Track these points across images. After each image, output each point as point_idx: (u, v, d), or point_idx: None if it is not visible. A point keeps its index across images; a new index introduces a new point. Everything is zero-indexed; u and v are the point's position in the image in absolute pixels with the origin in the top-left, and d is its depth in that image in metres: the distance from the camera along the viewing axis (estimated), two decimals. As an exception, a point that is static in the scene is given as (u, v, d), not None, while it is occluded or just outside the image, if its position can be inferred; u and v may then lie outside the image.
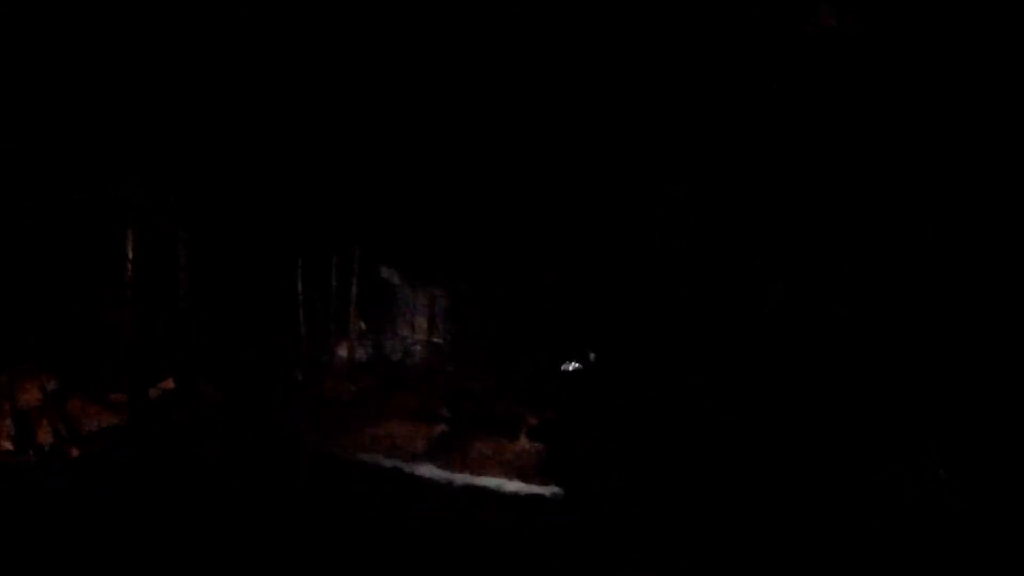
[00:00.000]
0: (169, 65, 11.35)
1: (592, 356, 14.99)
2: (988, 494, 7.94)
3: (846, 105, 10.44)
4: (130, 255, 11.83)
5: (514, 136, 11.92)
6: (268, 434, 10.71)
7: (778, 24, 10.31)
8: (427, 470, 9.69)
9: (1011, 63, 9.33)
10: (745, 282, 13.09)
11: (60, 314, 12.27)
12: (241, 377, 13.34)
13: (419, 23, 11.99)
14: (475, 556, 7.14)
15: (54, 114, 10.96)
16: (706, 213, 12.24)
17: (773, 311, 12.53)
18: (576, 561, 7.20)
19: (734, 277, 13.04)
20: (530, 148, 11.84)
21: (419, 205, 15.09)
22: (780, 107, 10.76)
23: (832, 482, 8.81)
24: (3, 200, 11.55)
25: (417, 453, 10.31)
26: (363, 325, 16.80)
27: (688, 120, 11.08)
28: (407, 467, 9.79)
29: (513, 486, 9.26)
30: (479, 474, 9.60)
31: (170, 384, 12.13)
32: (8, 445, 9.29)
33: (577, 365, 15.06)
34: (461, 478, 9.60)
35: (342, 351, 15.59)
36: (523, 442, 10.68)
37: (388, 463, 9.82)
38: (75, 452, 9.51)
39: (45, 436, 9.65)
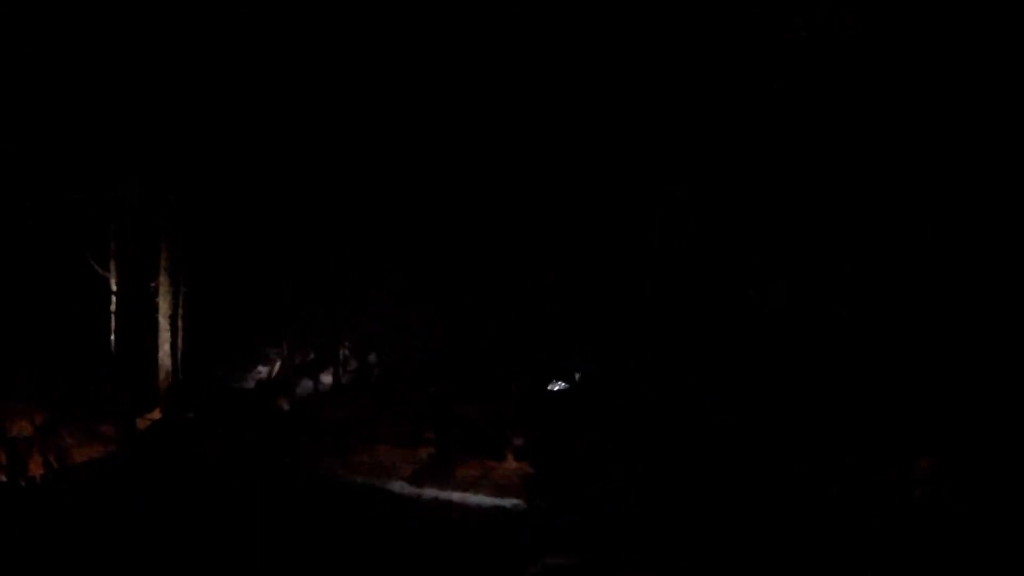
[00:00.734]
0: (169, 65, 11.34)
1: (577, 376, 14.97)
2: (988, 494, 7.94)
3: (846, 105, 10.43)
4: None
5: (514, 136, 11.89)
6: (260, 460, 10.61)
7: (777, 25, 10.31)
8: (415, 491, 9.70)
9: (1010, 64, 9.32)
10: (745, 282, 13.08)
11: (50, 342, 12.33)
12: (231, 402, 13.34)
13: (419, 23, 11.98)
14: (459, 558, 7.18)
15: (54, 114, 10.94)
16: (706, 213, 12.22)
17: (773, 311, 12.51)
18: (576, 561, 7.20)
19: (734, 277, 13.03)
20: (530, 148, 11.81)
21: (419, 205, 15.07)
22: (780, 107, 10.75)
23: (832, 482, 8.81)
24: (3, 200, 11.55)
25: (406, 476, 10.32)
26: (349, 346, 16.73)
27: (688, 121, 11.07)
28: (399, 489, 9.77)
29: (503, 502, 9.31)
30: (467, 493, 9.62)
31: (158, 414, 12.12)
32: (1, 476, 9.37)
33: (563, 385, 15.03)
34: (447, 495, 9.62)
35: (328, 376, 15.49)
36: (510, 462, 10.68)
37: (379, 485, 9.80)
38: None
39: (36, 467, 9.73)
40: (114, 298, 11.94)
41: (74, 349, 12.46)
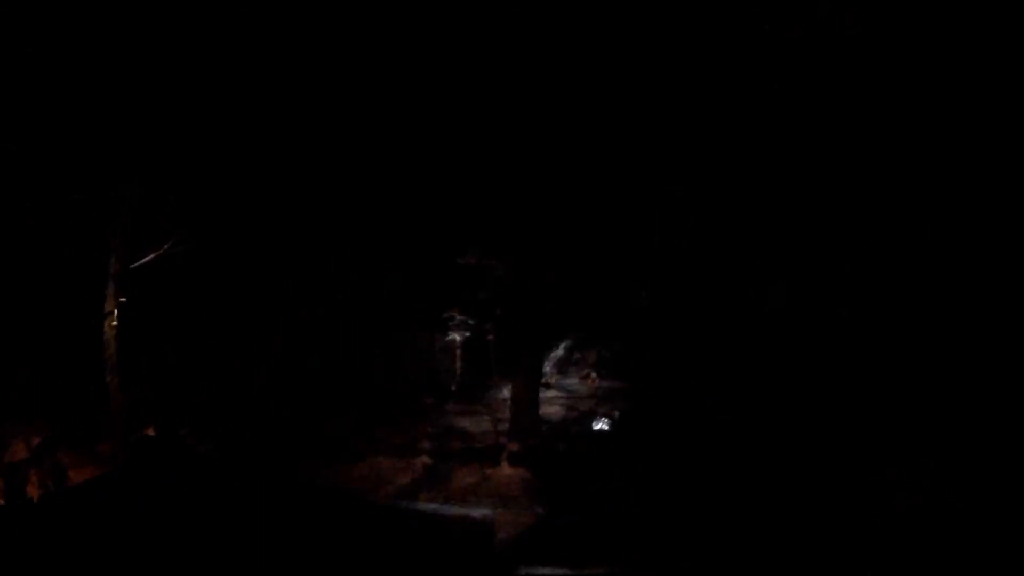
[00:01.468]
0: (169, 65, 11.33)
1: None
2: (988, 494, 7.94)
3: (846, 105, 10.43)
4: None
5: (514, 136, 11.88)
6: (258, 474, 10.55)
7: (776, 25, 10.30)
8: (414, 503, 9.64)
9: (1009, 64, 9.32)
10: (745, 282, 13.09)
11: (50, 342, 12.33)
12: (227, 417, 13.28)
13: (419, 23, 11.98)
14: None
15: (54, 114, 10.93)
16: (706, 213, 12.22)
17: (773, 311, 12.52)
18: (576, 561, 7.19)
19: (734, 277, 13.03)
20: (530, 148, 11.80)
21: (418, 206, 15.07)
22: (780, 107, 10.74)
23: (832, 482, 8.81)
24: (3, 200, 11.54)
25: (403, 486, 10.30)
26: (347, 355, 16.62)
27: (688, 121, 11.07)
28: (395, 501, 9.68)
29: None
30: (464, 502, 9.57)
31: (151, 431, 12.07)
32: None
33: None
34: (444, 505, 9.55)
35: (325, 385, 15.41)
36: (504, 468, 10.68)
37: (375, 497, 9.73)
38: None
39: (34, 489, 9.69)
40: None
41: (74, 349, 12.44)
